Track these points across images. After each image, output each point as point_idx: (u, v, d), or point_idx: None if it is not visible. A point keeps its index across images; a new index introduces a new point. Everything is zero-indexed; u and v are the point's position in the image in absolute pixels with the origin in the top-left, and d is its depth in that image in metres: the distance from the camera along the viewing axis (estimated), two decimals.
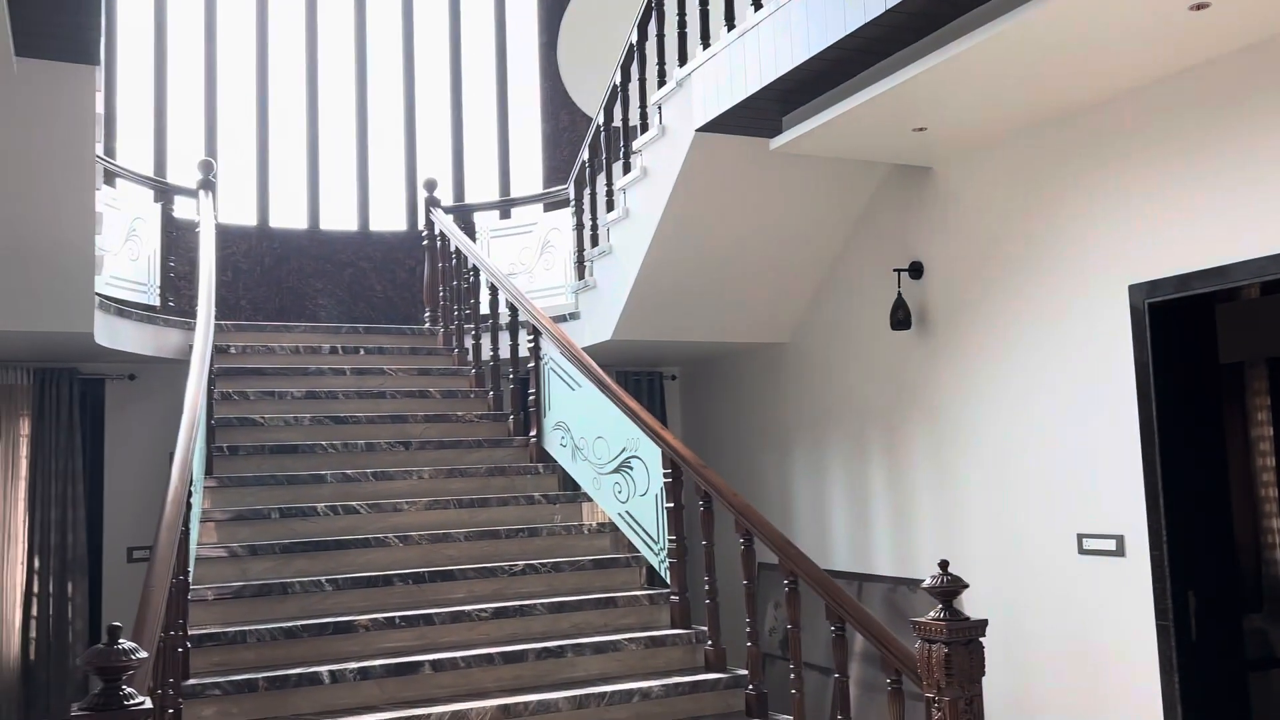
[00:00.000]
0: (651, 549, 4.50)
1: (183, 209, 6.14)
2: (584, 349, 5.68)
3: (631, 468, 4.63)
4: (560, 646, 3.98)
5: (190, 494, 3.51)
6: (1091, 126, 4.08)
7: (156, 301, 5.77)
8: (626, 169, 5.47)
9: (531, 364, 5.34)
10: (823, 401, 5.68)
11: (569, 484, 5.12)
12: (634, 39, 5.38)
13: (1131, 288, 3.90)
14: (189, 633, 3.65)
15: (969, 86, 3.86)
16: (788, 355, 5.98)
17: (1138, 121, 3.90)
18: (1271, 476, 5.78)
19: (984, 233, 4.59)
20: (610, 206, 5.65)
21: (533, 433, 5.33)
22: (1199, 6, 3.19)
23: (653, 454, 4.45)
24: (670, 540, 4.35)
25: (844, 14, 3.66)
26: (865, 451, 5.35)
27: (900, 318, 4.93)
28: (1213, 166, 3.63)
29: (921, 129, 4.31)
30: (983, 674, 3.23)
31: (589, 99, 7.66)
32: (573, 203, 6.13)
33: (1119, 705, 3.94)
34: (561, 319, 5.98)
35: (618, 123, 5.67)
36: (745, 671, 4.02)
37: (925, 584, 3.25)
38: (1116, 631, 3.95)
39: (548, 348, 5.24)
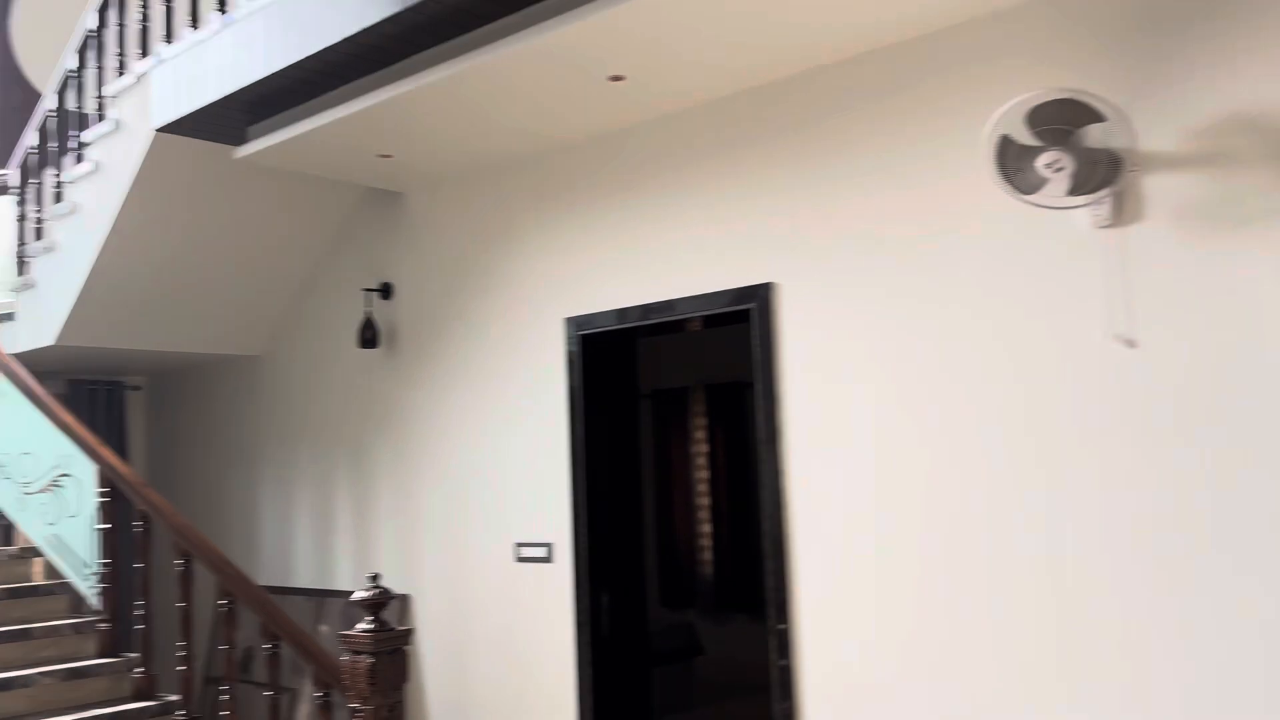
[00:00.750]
0: (82, 574, 4.17)
1: None
2: (22, 353, 5.15)
3: (63, 486, 4.27)
4: None
5: None
6: (538, 173, 4.47)
7: None
8: (81, 159, 5.03)
9: None
10: (293, 418, 5.62)
11: None
12: (93, 24, 4.99)
13: (566, 320, 4.33)
14: None
15: (420, 124, 4.06)
16: (260, 369, 5.83)
17: (573, 174, 4.34)
18: (706, 488, 6.67)
19: (449, 260, 4.84)
20: (59, 199, 5.16)
21: None
22: (616, 78, 3.65)
23: (88, 472, 4.14)
24: (103, 564, 4.07)
25: (301, 38, 3.68)
26: (333, 469, 5.37)
27: (369, 337, 5.02)
28: (640, 218, 4.14)
29: (387, 156, 4.45)
30: (406, 680, 3.40)
31: (48, 77, 6.93)
32: (16, 191, 5.51)
33: (540, 698, 4.32)
34: None
35: (74, 107, 5.20)
36: (178, 697, 3.87)
37: (354, 597, 3.36)
38: (545, 630, 4.34)
39: None
